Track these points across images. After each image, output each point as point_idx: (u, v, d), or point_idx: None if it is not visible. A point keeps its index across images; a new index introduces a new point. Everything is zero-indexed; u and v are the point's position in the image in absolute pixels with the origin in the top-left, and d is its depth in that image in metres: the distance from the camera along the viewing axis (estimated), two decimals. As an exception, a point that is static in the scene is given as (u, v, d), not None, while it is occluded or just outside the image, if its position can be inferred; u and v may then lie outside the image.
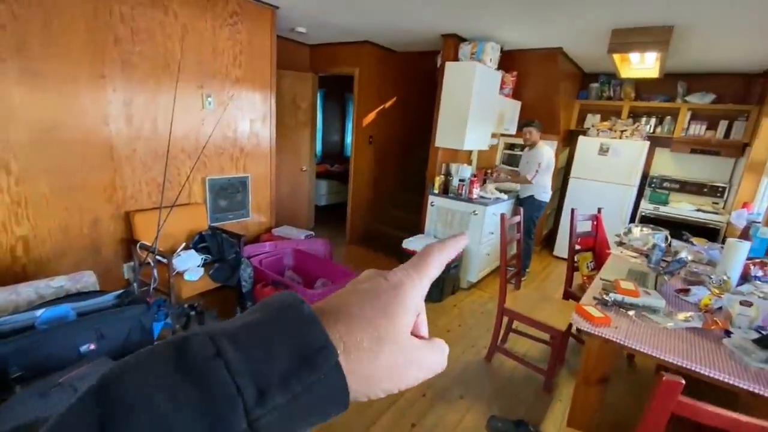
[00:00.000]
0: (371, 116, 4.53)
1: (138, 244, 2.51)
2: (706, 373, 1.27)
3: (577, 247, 2.84)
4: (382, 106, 4.62)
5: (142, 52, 2.48)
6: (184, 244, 2.68)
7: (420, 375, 0.26)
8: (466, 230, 3.55)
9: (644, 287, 1.80)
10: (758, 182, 3.64)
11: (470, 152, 4.24)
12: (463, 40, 3.61)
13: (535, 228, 3.86)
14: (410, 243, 3.54)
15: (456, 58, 3.60)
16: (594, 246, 2.82)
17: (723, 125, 4.02)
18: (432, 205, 3.79)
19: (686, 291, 1.82)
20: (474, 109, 3.47)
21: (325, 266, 2.98)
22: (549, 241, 5.00)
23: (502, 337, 2.68)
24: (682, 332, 1.50)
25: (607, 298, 1.69)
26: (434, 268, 0.28)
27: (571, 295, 2.73)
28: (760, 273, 2.01)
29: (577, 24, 2.97)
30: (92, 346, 1.38)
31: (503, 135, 4.54)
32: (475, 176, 3.71)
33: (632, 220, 4.28)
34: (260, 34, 3.12)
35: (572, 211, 2.68)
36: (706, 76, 4.13)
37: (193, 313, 2.41)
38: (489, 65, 3.55)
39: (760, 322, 1.50)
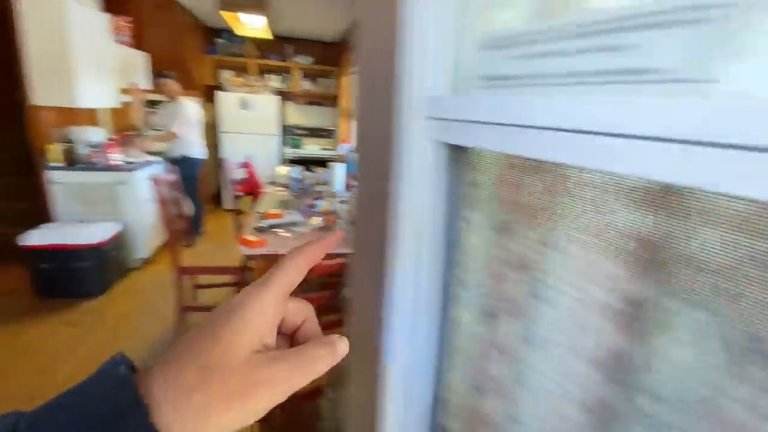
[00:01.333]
0: None
1: None
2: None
3: (240, 193, 3.13)
4: None
5: None
6: None
7: (278, 392, 0.22)
8: (115, 204, 3.06)
9: (288, 210, 2.30)
10: (349, 124, 5.18)
11: (94, 111, 3.51)
12: (36, -38, 2.75)
13: (198, 187, 3.85)
14: (32, 237, 2.65)
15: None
16: (251, 190, 3.20)
17: (322, 82, 5.32)
18: (58, 183, 2.96)
19: (313, 205, 2.47)
20: (81, 58, 2.84)
21: None
22: (218, 198, 5.15)
23: (192, 298, 2.67)
24: (316, 232, 2.07)
25: (262, 225, 2.04)
26: (288, 271, 0.25)
27: (244, 236, 3.05)
28: (353, 182, 3.00)
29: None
30: None
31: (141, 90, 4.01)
32: (113, 140, 3.17)
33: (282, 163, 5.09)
34: None
35: (222, 161, 2.88)
36: (305, 41, 5.22)
37: None
38: (89, 4, 2.94)
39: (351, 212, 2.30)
